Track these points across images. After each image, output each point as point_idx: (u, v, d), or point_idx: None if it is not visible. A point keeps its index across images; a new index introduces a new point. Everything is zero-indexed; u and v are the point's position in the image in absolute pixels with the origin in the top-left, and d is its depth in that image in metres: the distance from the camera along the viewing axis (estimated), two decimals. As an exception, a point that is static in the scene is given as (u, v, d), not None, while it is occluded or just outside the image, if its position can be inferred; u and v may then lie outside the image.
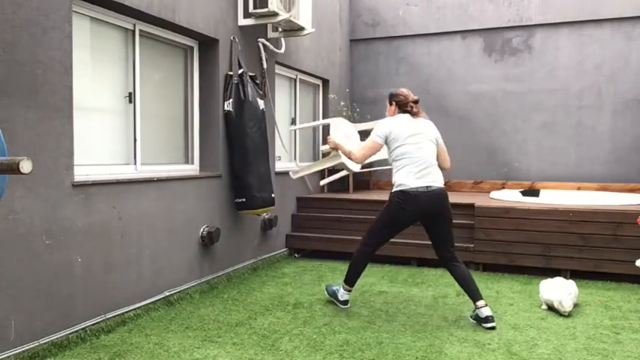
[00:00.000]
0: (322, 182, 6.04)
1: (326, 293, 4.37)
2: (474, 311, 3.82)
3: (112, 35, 3.96)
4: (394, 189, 3.85)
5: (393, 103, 3.99)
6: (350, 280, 4.12)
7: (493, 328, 3.72)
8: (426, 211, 3.78)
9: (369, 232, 4.02)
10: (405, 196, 3.75)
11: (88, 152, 3.72)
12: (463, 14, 7.22)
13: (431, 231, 3.90)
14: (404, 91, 3.96)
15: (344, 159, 4.90)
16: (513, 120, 7.07)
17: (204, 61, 4.83)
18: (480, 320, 3.77)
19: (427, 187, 3.75)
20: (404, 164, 3.80)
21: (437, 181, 3.81)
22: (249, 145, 4.86)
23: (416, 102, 3.93)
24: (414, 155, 3.79)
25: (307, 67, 6.55)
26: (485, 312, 3.74)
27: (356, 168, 5.75)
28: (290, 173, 5.18)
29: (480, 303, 3.76)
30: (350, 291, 4.17)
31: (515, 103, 7.05)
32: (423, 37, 7.47)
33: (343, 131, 5.47)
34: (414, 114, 3.91)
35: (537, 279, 5.00)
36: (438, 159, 3.93)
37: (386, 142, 3.89)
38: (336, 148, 4.22)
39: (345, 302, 4.19)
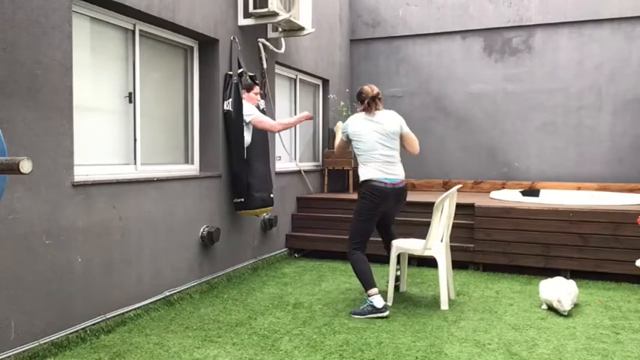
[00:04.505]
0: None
1: (358, 317, 3.96)
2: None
3: (112, 35, 3.96)
4: (360, 182, 4.12)
5: (359, 101, 4.23)
6: (368, 284, 4.00)
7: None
8: (391, 202, 4.12)
9: (350, 235, 4.16)
10: (374, 189, 4.03)
11: (88, 152, 3.72)
12: (463, 14, 7.22)
13: (385, 218, 4.30)
14: (366, 87, 4.17)
15: None
16: (513, 120, 7.06)
17: (204, 61, 4.83)
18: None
19: (392, 180, 4.05)
20: (366, 160, 4.09)
21: (399, 174, 4.12)
22: (249, 145, 4.86)
23: (373, 98, 4.11)
24: (373, 150, 4.06)
25: (307, 67, 6.54)
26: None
27: None
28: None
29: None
30: (378, 292, 3.99)
31: (515, 103, 7.05)
32: (423, 37, 7.47)
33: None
34: (373, 109, 4.12)
35: (537, 279, 5.00)
36: (405, 147, 4.21)
37: (349, 139, 4.19)
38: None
39: (385, 307, 3.93)
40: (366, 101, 4.11)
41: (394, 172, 4.07)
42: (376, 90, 4.13)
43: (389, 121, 4.10)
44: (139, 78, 4.17)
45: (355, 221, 4.13)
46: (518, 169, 7.05)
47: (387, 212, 4.24)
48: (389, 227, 4.46)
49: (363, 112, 4.15)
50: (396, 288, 4.57)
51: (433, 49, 7.43)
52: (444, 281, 4.16)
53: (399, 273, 4.58)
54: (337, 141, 4.48)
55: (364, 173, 4.08)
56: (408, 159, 7.49)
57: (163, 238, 4.18)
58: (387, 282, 4.45)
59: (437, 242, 4.19)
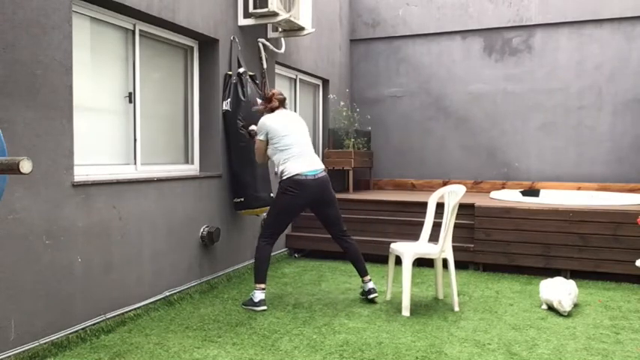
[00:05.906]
0: None
1: (244, 307, 4.15)
2: (361, 286, 4.41)
3: (112, 35, 3.96)
4: (284, 178, 4.11)
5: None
6: (260, 278, 4.15)
7: (374, 299, 4.29)
8: (315, 196, 4.15)
9: (265, 225, 4.25)
10: (296, 183, 4.06)
11: (88, 152, 3.72)
12: (463, 14, 7.22)
13: (320, 214, 4.32)
14: (276, 90, 4.34)
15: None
16: (513, 120, 7.07)
17: (204, 61, 4.83)
18: (365, 293, 4.33)
19: (314, 173, 4.10)
20: (290, 155, 4.13)
21: (320, 166, 4.18)
22: (248, 145, 4.86)
23: (283, 100, 4.29)
24: (297, 145, 4.15)
25: (307, 67, 6.55)
26: (369, 285, 4.32)
27: None
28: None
29: (366, 278, 4.35)
30: (264, 289, 4.14)
31: (515, 103, 7.05)
32: (423, 37, 7.47)
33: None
34: (284, 109, 4.28)
35: (537, 279, 5.00)
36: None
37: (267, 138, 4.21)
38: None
39: (262, 302, 4.08)
40: (278, 102, 4.25)
41: (315, 164, 4.15)
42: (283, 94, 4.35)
43: (300, 118, 4.32)
44: (139, 78, 4.17)
45: (273, 215, 4.22)
46: (518, 169, 7.06)
47: (318, 208, 4.26)
48: (335, 225, 4.35)
49: (277, 111, 4.24)
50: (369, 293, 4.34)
51: (433, 49, 7.44)
52: (455, 283, 4.14)
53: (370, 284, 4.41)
54: (256, 146, 4.31)
55: (290, 169, 4.08)
56: (409, 159, 7.55)
57: (163, 238, 4.18)
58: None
59: (450, 244, 4.14)
